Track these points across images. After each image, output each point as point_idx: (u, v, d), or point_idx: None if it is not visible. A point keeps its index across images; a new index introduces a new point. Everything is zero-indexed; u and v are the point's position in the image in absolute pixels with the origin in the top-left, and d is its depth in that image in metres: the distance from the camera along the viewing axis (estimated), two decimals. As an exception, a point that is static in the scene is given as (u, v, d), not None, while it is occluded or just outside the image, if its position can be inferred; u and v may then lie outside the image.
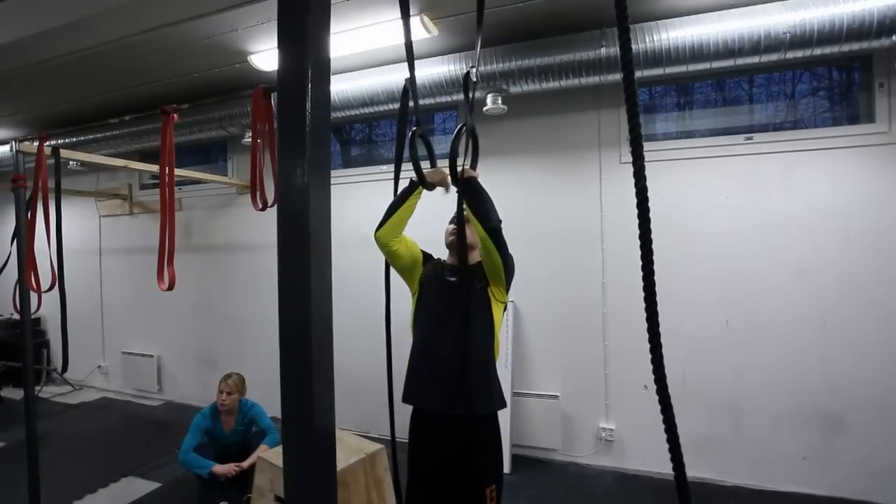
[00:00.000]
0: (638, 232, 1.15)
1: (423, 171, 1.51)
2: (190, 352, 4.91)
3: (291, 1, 1.62)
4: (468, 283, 1.80)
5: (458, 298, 1.78)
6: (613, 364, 3.34)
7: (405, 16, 1.20)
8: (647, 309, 1.16)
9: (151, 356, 5.04)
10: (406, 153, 1.45)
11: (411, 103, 1.38)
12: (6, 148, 4.84)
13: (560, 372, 3.47)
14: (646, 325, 1.11)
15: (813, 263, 2.92)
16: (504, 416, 3.31)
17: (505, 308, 1.96)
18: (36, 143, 2.51)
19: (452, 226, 1.91)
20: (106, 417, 4.58)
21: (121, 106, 4.32)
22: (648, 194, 1.19)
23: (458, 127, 1.62)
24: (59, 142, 4.41)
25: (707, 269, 3.12)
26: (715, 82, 3.32)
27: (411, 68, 1.30)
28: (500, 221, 1.74)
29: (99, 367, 5.43)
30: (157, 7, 1.85)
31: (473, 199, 1.68)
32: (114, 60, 3.32)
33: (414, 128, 1.42)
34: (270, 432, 3.00)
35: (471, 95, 1.60)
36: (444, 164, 1.61)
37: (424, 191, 1.73)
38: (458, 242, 1.76)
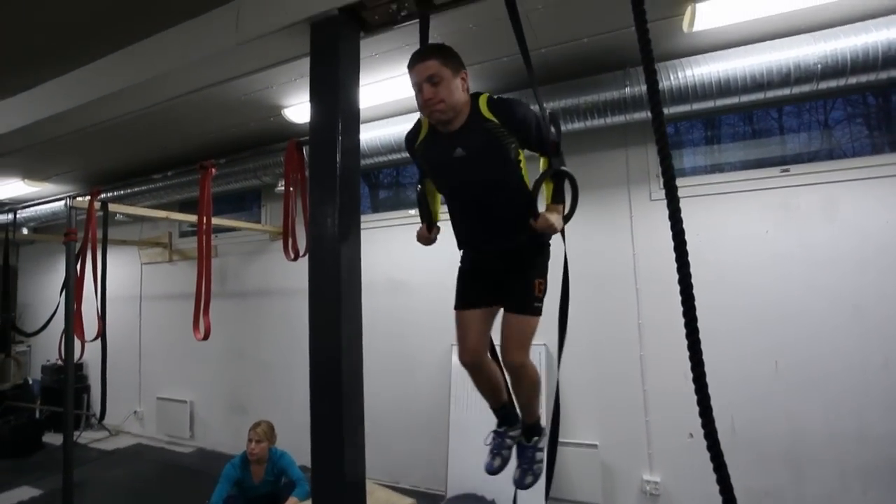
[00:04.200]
0: (674, 271, 1.11)
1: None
2: (222, 398, 4.94)
3: (322, 59, 1.69)
4: (481, 152, 1.49)
5: (474, 174, 1.51)
6: (654, 410, 3.15)
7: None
8: (691, 358, 1.09)
9: (185, 402, 5.10)
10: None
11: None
12: (60, 203, 5.18)
13: (598, 419, 3.30)
14: (687, 367, 1.05)
15: (868, 299, 2.73)
16: (540, 466, 3.17)
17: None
18: (88, 199, 2.68)
19: (423, 97, 1.44)
20: (139, 465, 4.60)
21: (164, 160, 4.59)
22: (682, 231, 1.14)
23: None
24: (107, 195, 4.69)
25: (750, 308, 2.96)
26: (744, 114, 3.27)
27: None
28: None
29: (135, 412, 5.51)
30: (202, 71, 1.98)
31: None
32: (158, 120, 3.55)
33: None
34: (300, 484, 2.93)
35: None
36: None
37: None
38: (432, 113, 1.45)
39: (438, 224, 1.72)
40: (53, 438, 5.19)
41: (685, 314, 1.16)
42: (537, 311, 1.59)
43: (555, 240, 1.64)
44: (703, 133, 3.42)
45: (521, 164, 1.55)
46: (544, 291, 1.61)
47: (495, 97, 1.50)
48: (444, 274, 1.94)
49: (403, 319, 3.92)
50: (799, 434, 2.82)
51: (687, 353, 1.08)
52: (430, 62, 1.40)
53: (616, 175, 3.36)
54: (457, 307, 1.70)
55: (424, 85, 1.40)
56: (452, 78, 1.41)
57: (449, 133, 1.49)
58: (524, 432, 1.81)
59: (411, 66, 1.44)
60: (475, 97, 1.50)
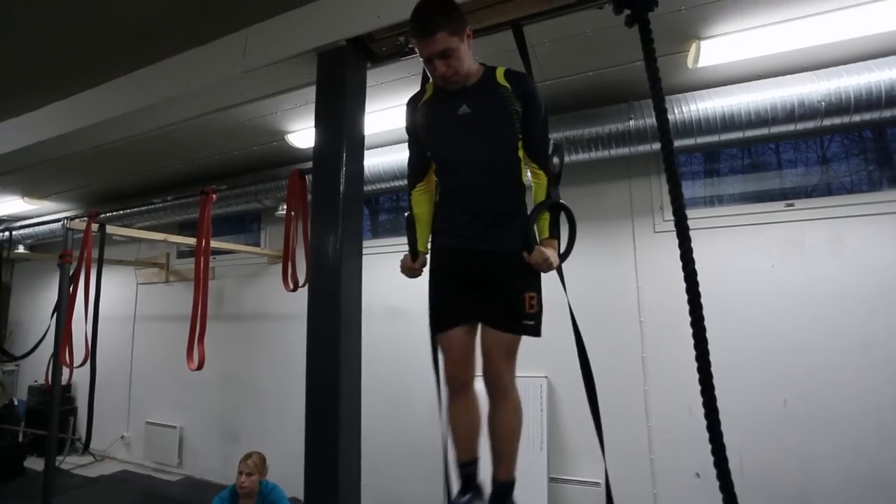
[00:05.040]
0: (680, 303, 1.08)
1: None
2: (213, 423, 4.79)
3: (328, 89, 1.68)
4: (486, 110, 1.42)
5: (474, 134, 1.42)
6: (659, 448, 3.05)
7: None
8: (705, 405, 1.05)
9: (174, 427, 4.95)
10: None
11: None
12: (56, 222, 5.16)
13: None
14: (692, 403, 1.01)
15: (877, 337, 2.68)
16: (541, 506, 3.05)
17: None
18: (85, 220, 2.64)
19: (438, 72, 1.36)
20: (124, 494, 4.42)
21: (165, 180, 4.58)
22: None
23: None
24: (105, 215, 4.66)
25: (757, 344, 2.90)
26: (747, 147, 3.27)
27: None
28: None
29: (122, 437, 5.35)
30: (207, 97, 1.98)
31: None
32: (161, 142, 3.55)
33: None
34: (290, 520, 2.81)
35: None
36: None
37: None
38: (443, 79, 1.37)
39: (426, 256, 1.61)
40: (35, 463, 5.02)
41: (698, 359, 1.11)
42: (527, 331, 1.41)
43: (552, 277, 1.52)
44: (703, 164, 3.42)
45: (520, 151, 1.45)
46: (538, 308, 1.44)
47: (513, 70, 1.46)
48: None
49: (402, 346, 3.83)
50: (810, 475, 2.72)
51: (693, 389, 1.06)
52: (438, 35, 1.29)
53: (620, 206, 3.34)
54: (436, 330, 1.54)
55: (437, 61, 1.33)
56: (461, 44, 1.34)
57: (458, 91, 1.42)
58: (494, 495, 1.47)
59: (418, 39, 1.33)
60: (493, 69, 1.46)
